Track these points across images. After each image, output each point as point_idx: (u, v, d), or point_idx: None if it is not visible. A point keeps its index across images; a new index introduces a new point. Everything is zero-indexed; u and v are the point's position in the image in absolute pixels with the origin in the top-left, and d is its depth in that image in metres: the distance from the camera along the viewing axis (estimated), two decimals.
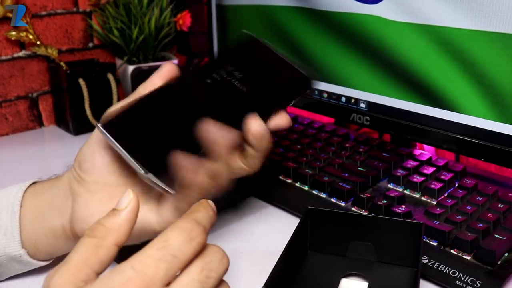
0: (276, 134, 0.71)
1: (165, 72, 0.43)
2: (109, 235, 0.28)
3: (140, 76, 0.86)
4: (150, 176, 0.37)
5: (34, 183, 0.46)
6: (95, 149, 0.41)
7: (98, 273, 0.27)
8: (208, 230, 0.29)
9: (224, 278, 0.29)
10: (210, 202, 0.31)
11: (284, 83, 0.45)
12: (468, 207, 0.49)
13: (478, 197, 0.51)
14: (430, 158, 0.59)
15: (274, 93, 0.44)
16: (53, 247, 0.44)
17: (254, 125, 0.41)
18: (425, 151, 0.63)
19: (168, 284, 0.27)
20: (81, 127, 0.87)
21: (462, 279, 0.43)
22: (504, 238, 0.45)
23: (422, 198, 0.54)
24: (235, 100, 0.42)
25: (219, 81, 0.42)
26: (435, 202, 0.52)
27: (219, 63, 0.44)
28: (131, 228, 0.29)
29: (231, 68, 0.43)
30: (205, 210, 0.30)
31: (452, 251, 0.46)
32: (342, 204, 0.55)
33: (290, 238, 0.42)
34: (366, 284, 0.43)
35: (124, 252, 0.29)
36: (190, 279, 0.27)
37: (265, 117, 0.42)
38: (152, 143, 0.38)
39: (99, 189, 0.41)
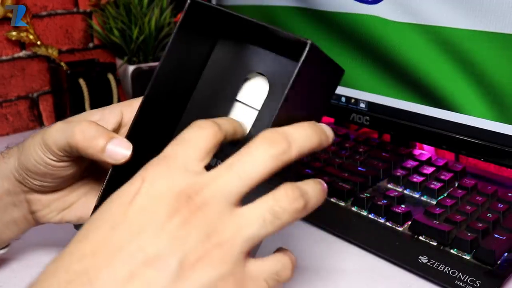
0: None
1: None
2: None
3: (141, 76, 0.86)
4: None
5: None
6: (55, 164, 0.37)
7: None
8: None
9: None
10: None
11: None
12: (468, 207, 0.49)
13: (477, 197, 0.51)
14: (429, 158, 0.59)
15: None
16: (16, 234, 0.43)
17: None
18: (424, 151, 0.63)
19: None
20: None
21: (462, 278, 0.43)
22: (504, 238, 0.45)
23: (422, 198, 0.54)
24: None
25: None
26: (434, 202, 0.52)
27: None
28: None
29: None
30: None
31: (451, 251, 0.46)
32: (342, 204, 0.55)
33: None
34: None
35: None
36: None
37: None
38: None
39: (46, 192, 0.40)
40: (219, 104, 0.37)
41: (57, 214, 0.41)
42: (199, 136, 0.28)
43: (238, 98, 0.37)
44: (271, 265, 0.27)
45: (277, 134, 0.27)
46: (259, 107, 0.35)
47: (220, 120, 0.30)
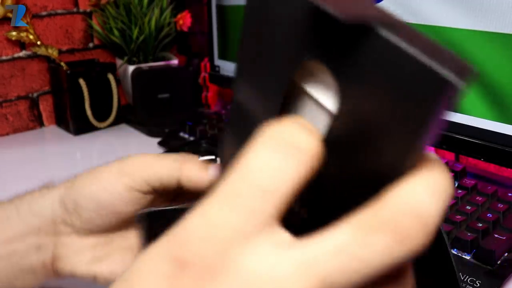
0: None
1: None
2: None
3: (141, 76, 0.86)
4: None
5: None
6: (115, 204, 0.35)
7: None
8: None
9: None
10: None
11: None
12: (468, 207, 0.49)
13: (477, 197, 0.51)
14: None
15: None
16: (32, 284, 0.38)
17: None
18: None
19: None
20: (81, 127, 0.87)
21: (462, 278, 0.43)
22: (504, 238, 0.45)
23: None
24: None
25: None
26: None
27: None
28: None
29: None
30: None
31: (451, 251, 0.46)
32: None
33: None
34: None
35: None
36: None
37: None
38: None
39: (86, 233, 0.37)
40: (269, 85, 0.22)
41: (87, 264, 0.37)
42: (284, 174, 0.17)
43: (304, 86, 0.22)
44: None
45: (412, 223, 0.16)
46: (332, 109, 0.20)
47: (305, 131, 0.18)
